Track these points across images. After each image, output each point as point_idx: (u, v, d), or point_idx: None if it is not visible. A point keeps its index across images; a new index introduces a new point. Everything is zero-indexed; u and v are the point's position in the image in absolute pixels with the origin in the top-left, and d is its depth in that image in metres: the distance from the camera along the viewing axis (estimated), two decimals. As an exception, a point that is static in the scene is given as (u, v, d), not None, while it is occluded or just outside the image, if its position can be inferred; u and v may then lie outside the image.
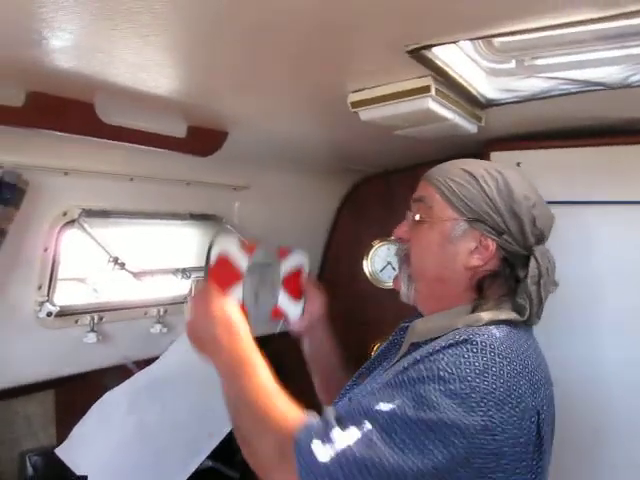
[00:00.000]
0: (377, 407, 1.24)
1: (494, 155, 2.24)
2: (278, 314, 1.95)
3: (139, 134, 1.70)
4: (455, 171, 1.51)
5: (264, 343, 2.68)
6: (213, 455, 2.27)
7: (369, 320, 2.82)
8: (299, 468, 1.20)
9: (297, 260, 2.00)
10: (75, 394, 2.20)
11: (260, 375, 1.42)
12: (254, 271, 1.79)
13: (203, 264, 1.67)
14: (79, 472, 1.97)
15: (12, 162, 1.60)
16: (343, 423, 1.25)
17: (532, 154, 2.19)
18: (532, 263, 1.44)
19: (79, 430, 2.00)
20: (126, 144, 1.70)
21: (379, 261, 2.88)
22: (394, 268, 2.79)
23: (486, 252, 1.46)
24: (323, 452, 1.21)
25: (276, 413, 1.33)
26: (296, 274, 1.99)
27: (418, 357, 1.31)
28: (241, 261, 1.75)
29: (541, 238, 1.50)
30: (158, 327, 2.18)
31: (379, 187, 2.91)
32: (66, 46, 1.16)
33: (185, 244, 2.35)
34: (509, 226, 1.45)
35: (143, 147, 1.76)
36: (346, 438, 1.21)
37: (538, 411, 1.28)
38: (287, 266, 1.97)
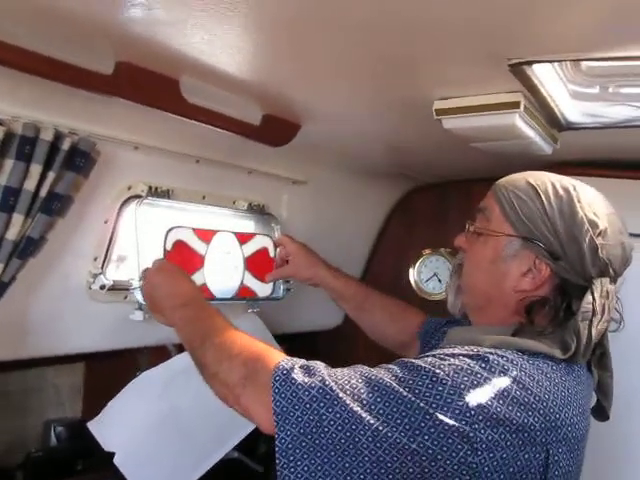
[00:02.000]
0: (369, 370, 1.27)
1: (563, 179, 2.21)
2: (246, 293, 2.18)
3: (217, 116, 1.69)
4: (521, 184, 1.42)
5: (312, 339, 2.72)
6: (239, 446, 2.26)
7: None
8: (273, 386, 1.25)
9: (259, 243, 2.18)
10: (106, 370, 2.20)
11: (222, 316, 1.54)
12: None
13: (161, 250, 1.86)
14: (107, 448, 1.96)
15: (87, 130, 1.58)
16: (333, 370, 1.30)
17: (603, 182, 2.12)
18: (587, 296, 1.32)
19: (113, 406, 1.99)
20: (199, 124, 1.69)
21: (426, 271, 2.86)
22: (440, 280, 2.79)
23: (539, 276, 1.37)
24: (301, 377, 1.25)
25: (250, 342, 1.43)
26: (259, 255, 2.18)
27: (432, 352, 1.31)
28: (199, 248, 1.96)
29: (605, 270, 1.35)
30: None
31: (432, 197, 2.88)
32: (157, 19, 1.15)
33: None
34: (566, 251, 1.34)
35: (215, 130, 1.74)
36: (327, 375, 1.25)
37: (548, 450, 1.22)
38: (249, 249, 2.15)
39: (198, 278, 1.97)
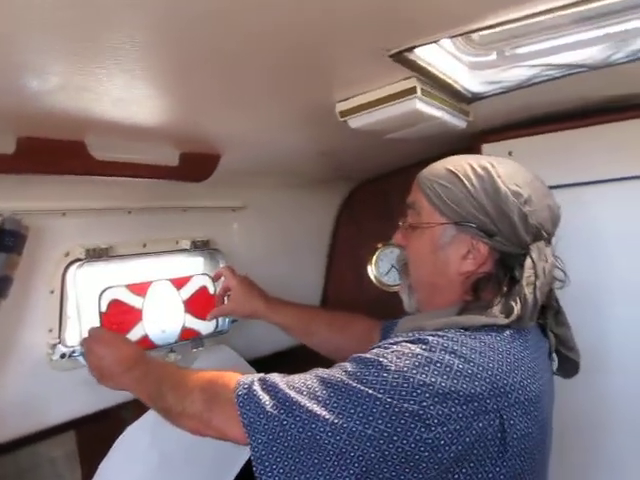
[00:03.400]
0: (324, 370, 1.36)
1: (486, 147, 2.24)
2: (189, 335, 2.23)
3: (132, 167, 1.70)
4: (441, 172, 1.47)
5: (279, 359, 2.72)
6: (239, 477, 2.26)
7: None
8: (237, 401, 1.35)
9: (197, 283, 2.24)
10: (97, 432, 2.18)
11: (168, 363, 1.75)
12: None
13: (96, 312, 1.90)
14: (107, 509, 1.97)
15: (9, 208, 1.59)
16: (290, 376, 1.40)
17: (523, 142, 2.19)
18: (527, 263, 1.38)
19: (105, 467, 1.99)
20: (120, 178, 1.71)
21: (383, 265, 2.87)
22: (398, 270, 2.81)
23: (479, 255, 1.43)
24: (259, 389, 1.36)
25: (201, 373, 1.56)
26: (199, 295, 2.23)
27: (379, 344, 1.37)
28: (135, 302, 2.01)
29: (539, 234, 1.42)
30: (172, 356, 2.18)
31: (376, 192, 2.91)
32: (53, 89, 1.17)
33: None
34: (499, 227, 1.40)
35: (137, 179, 1.76)
36: (282, 383, 1.35)
37: (502, 415, 1.26)
38: (187, 292, 2.20)
39: (138, 331, 2.03)
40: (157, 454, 2.06)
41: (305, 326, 2.06)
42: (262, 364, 2.35)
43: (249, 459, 1.37)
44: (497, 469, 1.26)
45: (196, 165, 1.88)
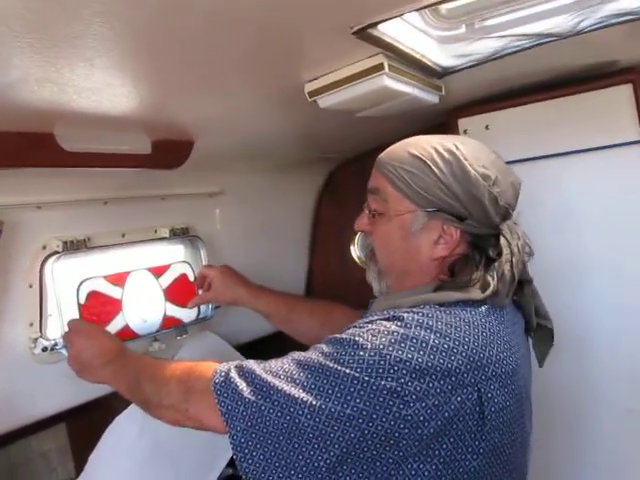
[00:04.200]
0: (300, 353, 1.36)
1: (462, 122, 2.24)
2: (171, 323, 2.23)
3: (104, 157, 1.69)
4: (405, 157, 1.44)
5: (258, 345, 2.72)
6: (232, 463, 2.27)
7: (364, 305, 2.81)
8: (214, 389, 1.36)
9: (176, 271, 2.24)
10: (89, 423, 2.19)
11: (146, 356, 1.73)
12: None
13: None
14: (98, 501, 1.97)
15: (-18, 204, 1.59)
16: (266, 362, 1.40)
17: (499, 115, 2.19)
18: (503, 242, 1.40)
19: (94, 459, 1.99)
20: (93, 169, 1.70)
21: (366, 244, 2.85)
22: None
23: (451, 240, 1.42)
24: (236, 376, 1.36)
25: (177, 364, 1.57)
26: (179, 283, 2.23)
27: (354, 324, 1.37)
28: (114, 293, 2.02)
29: (507, 214, 1.44)
30: (157, 345, 2.18)
31: (355, 171, 2.89)
32: (13, 82, 1.16)
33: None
34: (470, 210, 1.40)
35: (111, 169, 1.75)
36: (259, 369, 1.35)
37: (479, 389, 1.27)
38: (166, 280, 2.21)
39: (119, 322, 2.03)
40: (147, 443, 2.06)
41: (286, 314, 2.06)
42: (247, 349, 2.36)
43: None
44: (476, 443, 1.27)
45: (169, 152, 1.87)
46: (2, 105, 1.26)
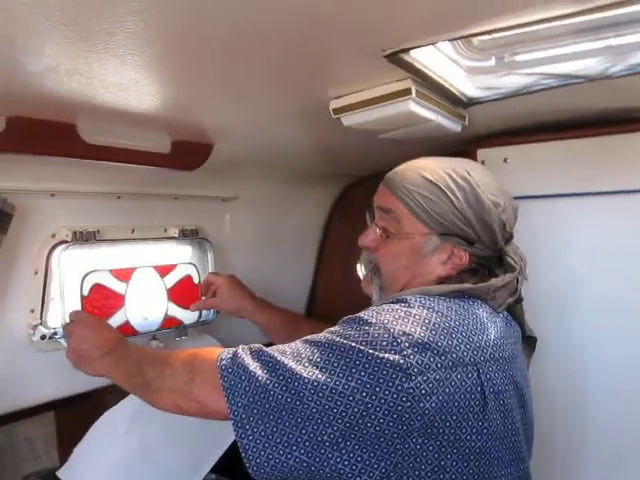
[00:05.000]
0: (311, 335, 1.40)
1: (481, 152, 2.24)
2: (171, 323, 2.23)
3: (123, 152, 1.70)
4: (420, 181, 1.49)
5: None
6: (216, 468, 2.26)
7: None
8: (219, 365, 1.37)
9: (182, 272, 2.24)
10: (78, 414, 2.17)
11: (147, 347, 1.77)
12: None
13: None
14: (80, 493, 1.96)
15: (-3, 187, 1.59)
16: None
17: (518, 149, 2.19)
18: (510, 261, 1.49)
19: (79, 451, 1.98)
20: (111, 163, 1.70)
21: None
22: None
23: (459, 262, 1.49)
24: (243, 354, 1.38)
25: (181, 350, 1.58)
26: (183, 284, 2.23)
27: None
28: (118, 288, 2.02)
29: (510, 238, 1.53)
30: (154, 343, 2.18)
31: (370, 189, 2.85)
32: (43, 71, 1.16)
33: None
34: (480, 235, 1.47)
35: (128, 165, 1.75)
36: (267, 348, 1.39)
37: (479, 369, 1.31)
38: (171, 280, 2.21)
39: (120, 317, 2.04)
40: (134, 440, 2.06)
41: (288, 332, 2.06)
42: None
43: (231, 444, 1.37)
44: (480, 423, 1.30)
45: (188, 153, 1.88)
46: (29, 92, 1.27)
